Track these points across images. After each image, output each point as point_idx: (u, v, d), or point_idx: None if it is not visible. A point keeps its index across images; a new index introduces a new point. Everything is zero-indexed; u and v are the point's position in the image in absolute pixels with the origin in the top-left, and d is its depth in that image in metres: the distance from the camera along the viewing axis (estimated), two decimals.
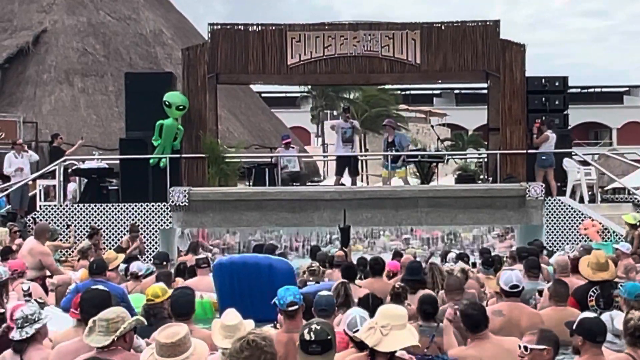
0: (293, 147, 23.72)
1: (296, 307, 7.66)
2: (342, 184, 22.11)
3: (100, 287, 8.23)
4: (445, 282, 10.35)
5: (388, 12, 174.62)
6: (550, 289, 9.49)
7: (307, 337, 5.69)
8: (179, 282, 12.66)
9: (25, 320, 7.08)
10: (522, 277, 10.09)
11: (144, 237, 19.66)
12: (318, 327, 5.73)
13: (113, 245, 18.44)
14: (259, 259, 12.99)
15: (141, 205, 19.98)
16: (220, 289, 12.54)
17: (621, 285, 9.00)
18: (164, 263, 14.27)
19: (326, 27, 21.88)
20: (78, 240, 18.74)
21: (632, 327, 6.78)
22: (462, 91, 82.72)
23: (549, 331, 6.47)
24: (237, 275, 12.35)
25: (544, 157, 20.89)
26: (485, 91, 24.30)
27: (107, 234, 19.47)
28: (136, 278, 13.27)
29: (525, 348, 6.31)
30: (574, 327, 6.73)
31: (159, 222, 19.95)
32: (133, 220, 19.62)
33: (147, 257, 18.99)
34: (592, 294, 9.56)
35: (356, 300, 9.91)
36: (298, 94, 67.57)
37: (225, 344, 6.46)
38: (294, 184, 22.07)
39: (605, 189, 34.05)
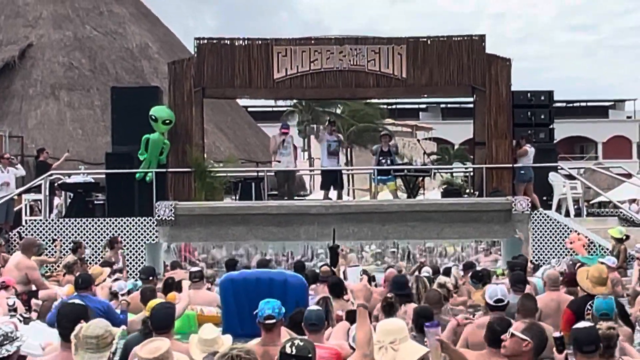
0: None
1: (273, 320, 7.62)
2: (330, 198, 22.13)
3: (77, 301, 8.14)
4: (425, 296, 10.38)
5: (378, 27, 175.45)
6: (518, 303, 9.48)
7: (287, 350, 5.70)
8: (176, 296, 12.56)
9: (6, 338, 7.00)
10: (508, 291, 10.07)
11: (131, 251, 19.61)
12: (301, 343, 5.75)
13: (99, 260, 18.36)
14: (273, 274, 12.84)
15: (127, 220, 19.92)
16: (228, 305, 12.38)
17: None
18: (150, 278, 14.20)
19: (312, 42, 21.91)
20: (64, 254, 18.69)
21: (600, 337, 6.82)
22: (448, 105, 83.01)
23: (539, 326, 6.45)
24: (247, 291, 12.15)
25: (522, 172, 20.96)
26: (471, 105, 24.33)
27: (93, 249, 19.40)
28: (115, 297, 13.18)
29: (510, 333, 6.31)
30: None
31: (145, 237, 19.89)
32: (119, 234, 19.52)
33: (133, 271, 18.97)
34: (590, 307, 9.57)
35: (341, 313, 9.94)
36: (284, 109, 67.63)
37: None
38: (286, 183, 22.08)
39: (591, 202, 34.21)
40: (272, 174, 23.11)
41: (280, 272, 13.28)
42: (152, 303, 9.04)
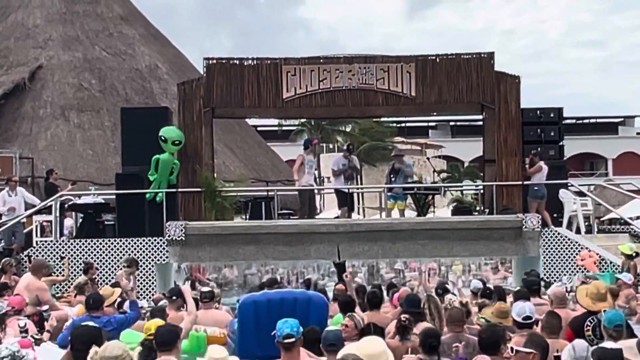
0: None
1: (292, 339, 7.62)
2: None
3: (91, 323, 8.15)
4: (448, 314, 10.32)
5: (393, 45, 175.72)
6: (543, 320, 9.45)
7: None
8: (183, 315, 12.55)
9: (13, 358, 7.01)
10: None
11: (141, 272, 19.59)
12: None
13: (110, 281, 18.34)
14: (297, 294, 12.76)
15: (138, 240, 19.92)
16: (246, 326, 12.28)
17: (604, 311, 8.97)
18: (174, 298, 14.16)
19: (321, 61, 21.91)
20: (72, 273, 18.73)
21: None
22: (458, 123, 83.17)
23: (538, 336, 6.42)
24: (270, 312, 12.04)
25: (536, 189, 20.87)
26: (480, 123, 24.32)
27: (103, 270, 19.40)
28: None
29: (512, 349, 6.25)
30: (591, 353, 6.68)
31: (155, 257, 19.88)
32: (129, 255, 19.49)
33: (145, 293, 18.97)
34: (589, 323, 9.52)
35: None
36: (294, 128, 67.78)
37: None
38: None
39: (602, 219, 34.10)
40: (283, 193, 23.10)
41: (303, 291, 13.19)
42: (153, 324, 9.03)
